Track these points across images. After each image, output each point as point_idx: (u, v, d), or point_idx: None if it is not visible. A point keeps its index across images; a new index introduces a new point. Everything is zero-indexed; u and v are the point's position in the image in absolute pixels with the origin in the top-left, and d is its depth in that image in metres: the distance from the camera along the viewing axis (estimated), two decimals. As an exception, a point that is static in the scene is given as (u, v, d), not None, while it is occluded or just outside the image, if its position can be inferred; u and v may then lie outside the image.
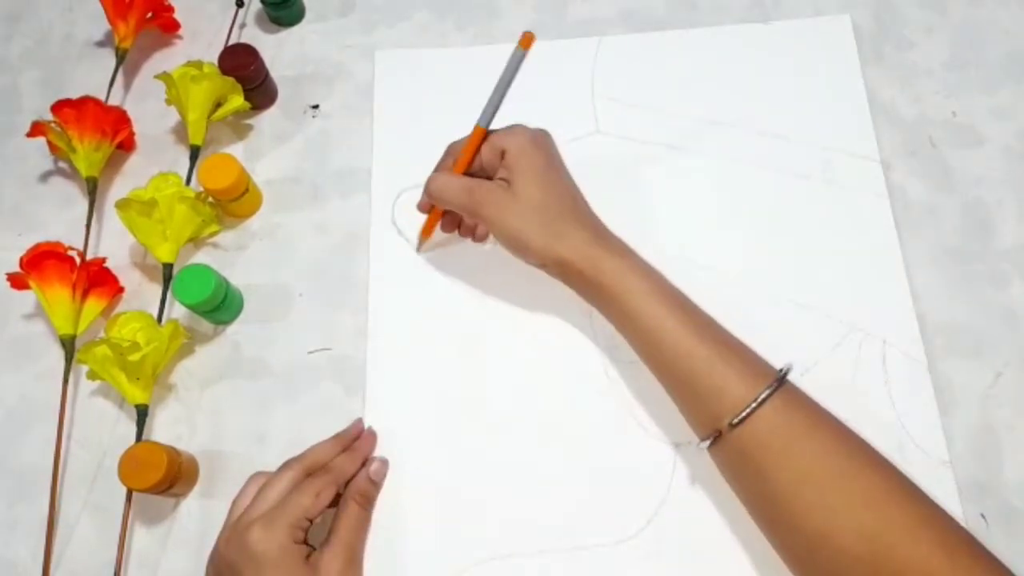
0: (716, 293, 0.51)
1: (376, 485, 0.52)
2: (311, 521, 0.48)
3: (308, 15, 0.70)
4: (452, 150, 0.55)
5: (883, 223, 0.58)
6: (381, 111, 0.65)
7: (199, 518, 0.54)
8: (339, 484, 0.50)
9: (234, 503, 0.49)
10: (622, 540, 0.52)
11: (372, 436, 0.54)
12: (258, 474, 0.50)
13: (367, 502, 0.51)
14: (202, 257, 0.62)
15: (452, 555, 0.52)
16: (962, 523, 0.44)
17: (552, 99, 0.63)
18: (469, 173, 0.53)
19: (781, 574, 0.47)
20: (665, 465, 0.53)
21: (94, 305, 0.59)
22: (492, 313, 0.58)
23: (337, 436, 0.53)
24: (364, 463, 0.53)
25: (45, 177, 0.66)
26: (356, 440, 0.54)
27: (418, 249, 0.59)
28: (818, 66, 0.64)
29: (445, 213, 0.57)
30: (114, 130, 0.63)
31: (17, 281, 0.58)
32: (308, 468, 0.50)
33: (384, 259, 0.60)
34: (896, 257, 0.57)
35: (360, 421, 0.55)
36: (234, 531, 0.47)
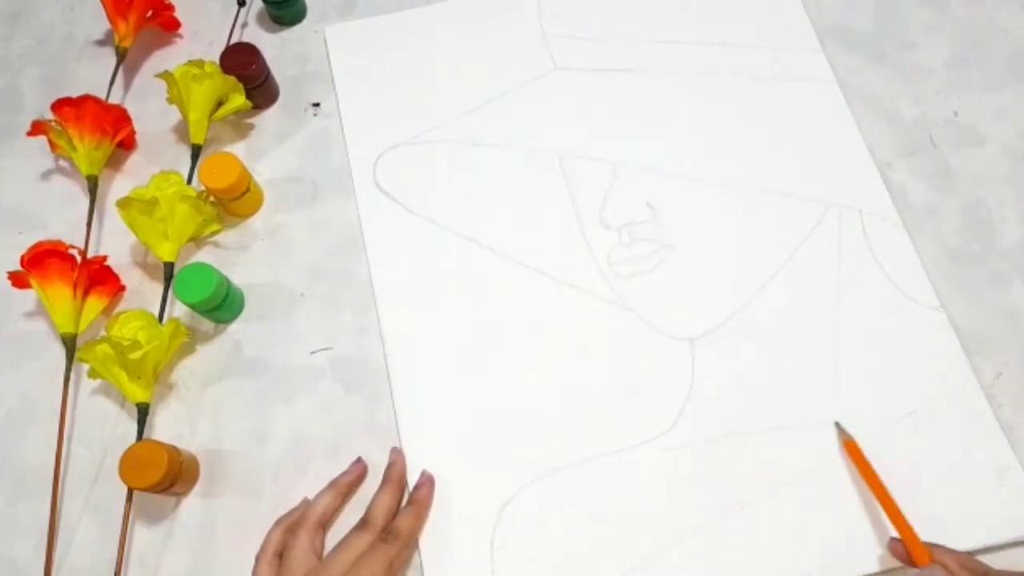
0: (699, 198, 0.60)
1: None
2: None
3: (309, 14, 0.70)
4: None
5: (837, 106, 0.62)
6: (343, 85, 0.67)
7: (200, 517, 0.54)
8: (409, 547, 0.50)
9: (263, 552, 0.50)
10: (660, 434, 0.54)
11: (430, 484, 0.53)
12: (280, 521, 0.51)
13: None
14: (203, 256, 0.62)
15: (499, 483, 0.54)
16: (971, 375, 0.51)
17: (505, 46, 0.66)
18: None
19: (807, 439, 0.52)
20: (684, 360, 0.56)
21: (95, 304, 0.58)
22: (491, 251, 0.60)
23: (391, 482, 0.52)
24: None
25: (46, 176, 0.66)
26: (416, 488, 0.53)
27: None
28: None
29: None
30: (114, 129, 0.63)
31: (18, 279, 0.58)
32: (376, 524, 0.50)
33: (375, 222, 0.62)
34: (855, 135, 0.61)
35: (399, 454, 0.54)
36: None
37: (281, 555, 0.50)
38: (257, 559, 0.50)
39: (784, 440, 0.53)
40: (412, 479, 0.54)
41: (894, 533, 0.48)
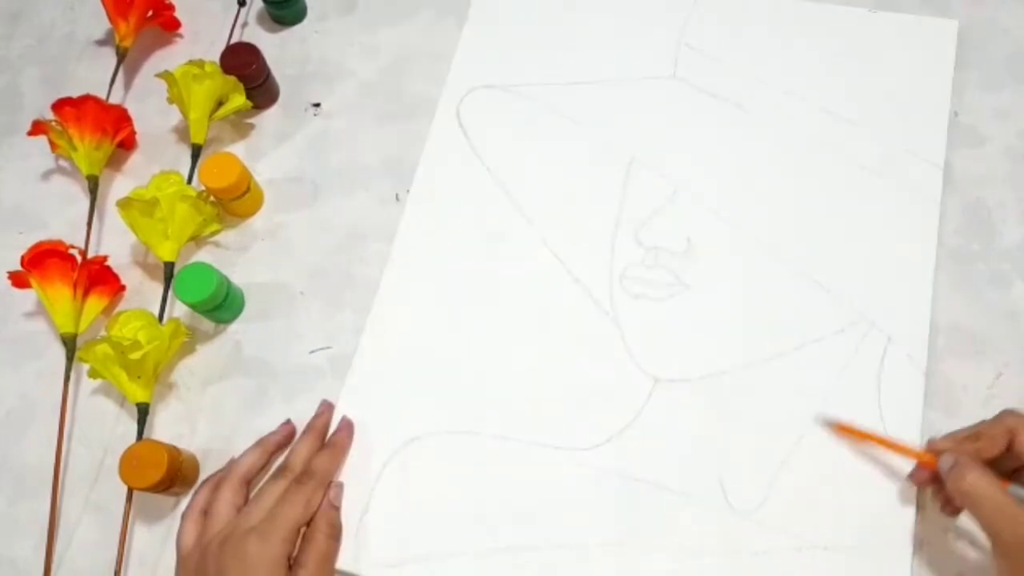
0: (740, 253, 0.57)
1: (338, 509, 0.52)
2: (300, 530, 0.49)
3: (310, 14, 0.70)
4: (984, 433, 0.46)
5: (926, 229, 0.58)
6: (479, 4, 0.67)
7: (200, 517, 0.54)
8: (325, 487, 0.51)
9: (188, 509, 0.50)
10: (580, 449, 0.53)
11: (348, 428, 0.54)
12: (207, 480, 0.52)
13: (335, 532, 0.50)
14: (203, 256, 0.62)
15: (415, 421, 0.54)
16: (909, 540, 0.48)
17: (639, 37, 0.65)
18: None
19: (716, 520, 0.51)
20: (640, 394, 0.54)
21: (95, 304, 0.59)
22: (525, 220, 0.60)
23: (313, 430, 0.53)
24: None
25: (46, 176, 0.66)
26: (330, 431, 0.54)
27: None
28: (909, 64, 0.63)
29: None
30: (115, 129, 0.63)
31: (18, 279, 0.58)
32: (294, 471, 0.51)
33: (438, 148, 0.63)
34: (929, 264, 0.57)
35: (328, 406, 0.55)
36: (231, 537, 0.47)
37: (206, 512, 0.50)
38: (183, 516, 0.50)
39: (695, 512, 0.51)
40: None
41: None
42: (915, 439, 0.52)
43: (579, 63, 0.65)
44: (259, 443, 0.53)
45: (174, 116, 0.66)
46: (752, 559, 0.50)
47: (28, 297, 0.60)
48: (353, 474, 0.53)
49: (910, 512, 0.50)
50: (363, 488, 0.53)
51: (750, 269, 0.57)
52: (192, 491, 0.53)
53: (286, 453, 0.53)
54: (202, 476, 0.55)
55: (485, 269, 0.59)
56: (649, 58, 0.65)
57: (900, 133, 0.60)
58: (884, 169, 0.60)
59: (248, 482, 0.52)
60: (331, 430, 0.54)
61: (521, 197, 0.61)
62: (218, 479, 0.51)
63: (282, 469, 0.51)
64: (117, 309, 0.59)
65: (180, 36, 0.71)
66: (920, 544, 0.50)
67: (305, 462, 0.51)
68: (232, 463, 0.52)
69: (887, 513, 0.50)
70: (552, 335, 0.57)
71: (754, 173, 0.60)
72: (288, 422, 0.55)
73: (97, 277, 0.59)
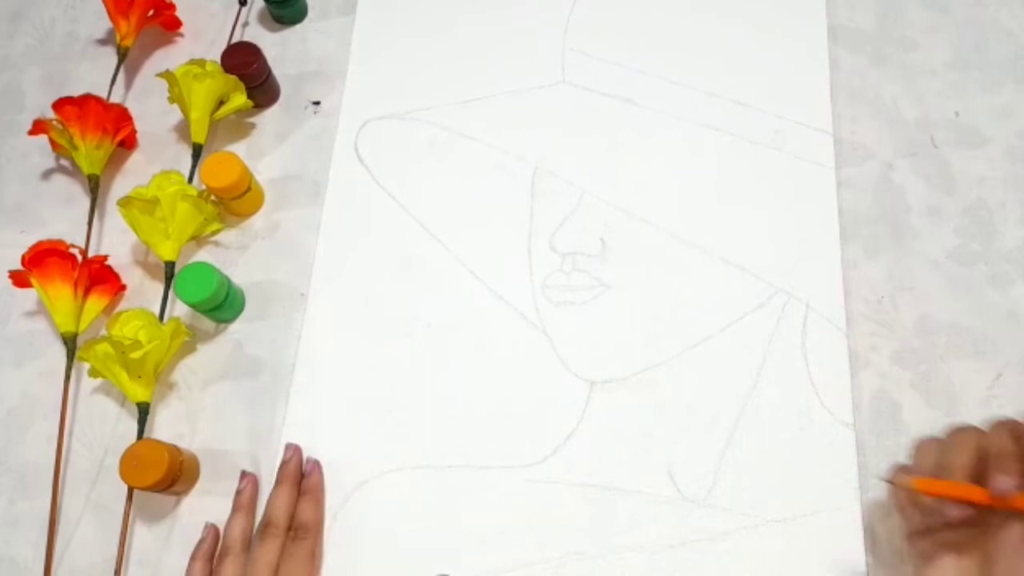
0: (653, 247, 0.58)
1: None
2: None
3: (310, 13, 0.70)
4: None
5: (825, 195, 0.59)
6: (359, 41, 0.67)
7: (200, 516, 0.54)
8: (321, 536, 0.51)
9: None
10: (527, 465, 0.53)
11: (319, 469, 0.53)
12: (197, 554, 0.51)
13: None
14: (204, 255, 0.62)
15: (360, 464, 0.54)
16: (856, 500, 0.49)
17: (524, 48, 0.65)
18: None
19: (671, 513, 0.51)
20: (579, 400, 0.54)
21: (96, 303, 0.59)
22: (438, 243, 0.60)
23: (287, 479, 0.52)
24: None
25: (47, 175, 0.66)
26: (303, 477, 0.53)
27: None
28: (785, 36, 0.64)
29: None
30: (115, 128, 0.63)
31: (19, 279, 0.58)
32: (280, 525, 0.50)
33: (341, 184, 0.62)
34: (833, 228, 0.58)
35: (296, 450, 0.54)
36: None
37: None
38: None
39: (647, 508, 0.52)
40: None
41: None
42: (845, 400, 0.53)
43: (469, 81, 0.65)
44: (237, 507, 0.52)
45: (175, 115, 0.66)
46: (713, 544, 0.50)
47: (28, 296, 0.60)
48: None
49: (853, 472, 0.51)
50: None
51: (665, 259, 0.58)
52: (190, 565, 0.51)
53: (266, 509, 0.51)
54: (202, 476, 0.55)
55: (407, 300, 0.58)
56: (537, 67, 0.65)
57: (786, 105, 0.61)
58: (776, 142, 0.60)
59: (247, 549, 0.50)
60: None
61: (432, 223, 0.60)
62: (207, 551, 0.51)
63: (267, 527, 0.50)
64: (117, 308, 0.59)
65: (181, 35, 0.71)
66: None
67: (288, 514, 0.50)
68: (225, 533, 0.51)
69: (832, 477, 0.51)
70: (483, 354, 0.56)
71: (655, 165, 0.61)
72: (247, 473, 0.54)
73: (97, 276, 0.59)
